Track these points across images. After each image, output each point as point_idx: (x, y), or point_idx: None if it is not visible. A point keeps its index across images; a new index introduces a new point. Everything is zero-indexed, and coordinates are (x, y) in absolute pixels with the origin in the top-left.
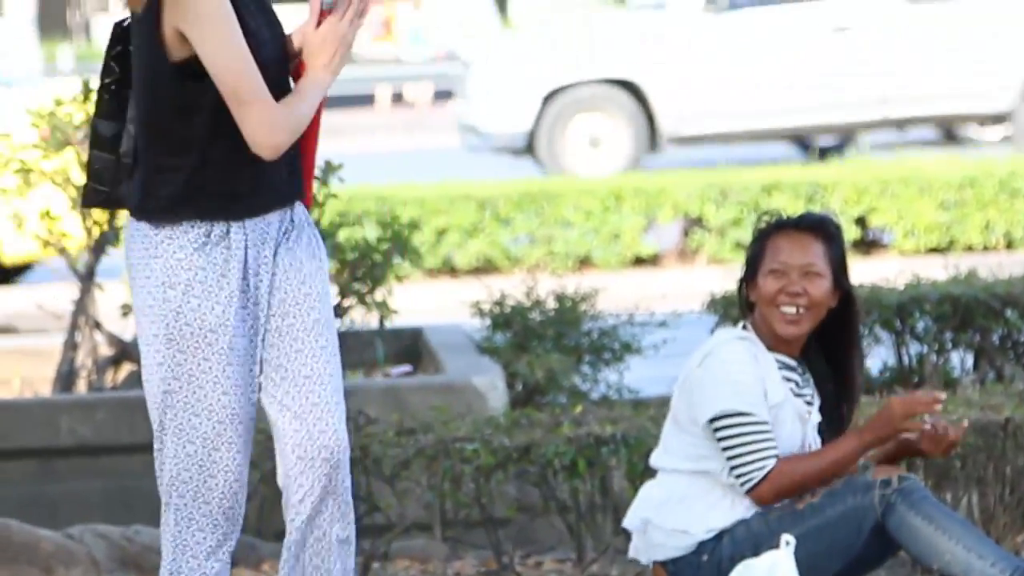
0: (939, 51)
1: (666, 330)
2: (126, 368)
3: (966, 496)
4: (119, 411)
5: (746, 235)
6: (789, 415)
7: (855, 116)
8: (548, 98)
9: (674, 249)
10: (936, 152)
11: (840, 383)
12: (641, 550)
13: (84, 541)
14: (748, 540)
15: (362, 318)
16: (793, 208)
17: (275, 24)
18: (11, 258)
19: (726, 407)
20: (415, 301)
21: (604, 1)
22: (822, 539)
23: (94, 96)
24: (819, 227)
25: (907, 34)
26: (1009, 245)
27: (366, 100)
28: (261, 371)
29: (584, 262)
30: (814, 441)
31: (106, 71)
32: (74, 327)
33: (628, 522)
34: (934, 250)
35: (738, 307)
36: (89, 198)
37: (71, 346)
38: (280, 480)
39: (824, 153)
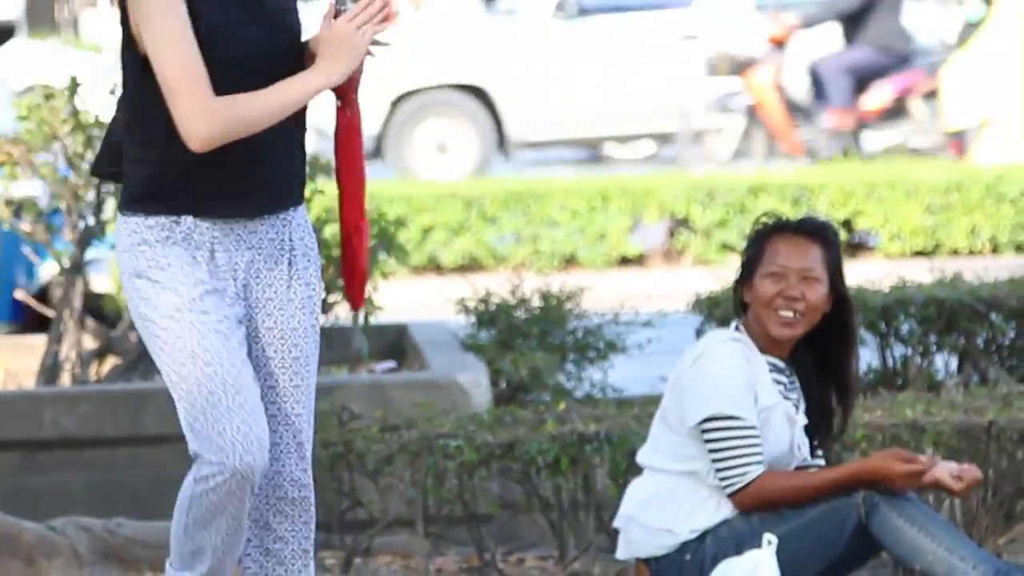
0: None
1: (651, 330)
2: (110, 361)
3: (948, 498)
4: (103, 404)
5: (732, 236)
6: (779, 417)
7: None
8: (396, 102)
9: (659, 249)
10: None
11: (836, 386)
12: (624, 547)
13: (66, 533)
14: (731, 539)
15: (347, 314)
16: (779, 210)
17: (275, 22)
18: None
19: (716, 410)
20: (400, 298)
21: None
22: (804, 539)
23: (81, 90)
24: (819, 232)
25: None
26: (994, 249)
27: None
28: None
29: (570, 261)
30: (802, 443)
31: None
32: (59, 320)
33: (617, 521)
34: (920, 253)
35: (730, 307)
36: (98, 169)
37: (55, 339)
38: None
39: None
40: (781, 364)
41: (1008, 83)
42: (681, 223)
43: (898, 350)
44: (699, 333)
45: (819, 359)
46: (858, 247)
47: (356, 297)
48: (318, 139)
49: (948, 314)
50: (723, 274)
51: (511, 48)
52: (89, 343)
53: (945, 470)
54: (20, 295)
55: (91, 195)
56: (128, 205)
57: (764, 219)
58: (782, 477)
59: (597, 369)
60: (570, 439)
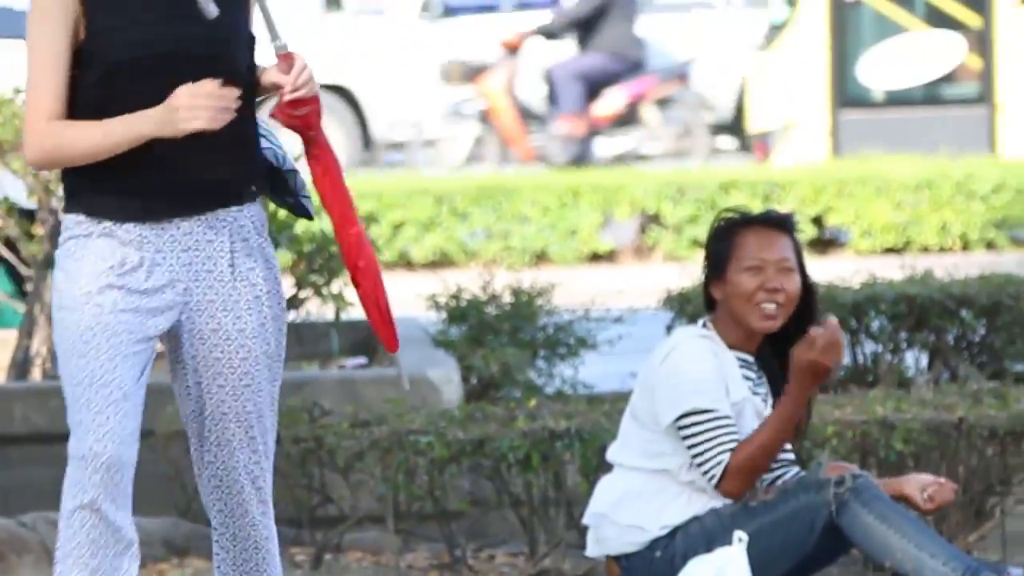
0: None
1: (621, 326)
2: None
3: None
4: None
5: (703, 233)
6: (749, 412)
7: None
8: (260, 102)
9: (631, 246)
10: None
11: None
12: (595, 544)
13: (36, 529)
14: (701, 536)
15: (318, 310)
16: (751, 207)
17: (199, 21)
18: None
19: (690, 406)
20: None
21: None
22: (775, 536)
23: None
24: (785, 223)
25: None
26: (965, 246)
27: None
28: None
29: (541, 258)
30: None
31: None
32: (29, 315)
33: (587, 519)
34: (891, 250)
35: (696, 304)
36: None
37: (26, 334)
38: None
39: None
40: (750, 359)
41: (812, 86)
42: (652, 219)
43: (868, 347)
44: (670, 329)
45: (783, 352)
46: (829, 244)
47: (388, 341)
48: None
49: (919, 311)
50: (694, 270)
51: (376, 48)
52: None
53: (916, 485)
54: None
55: (62, 190)
56: (65, 202)
57: (727, 214)
58: (744, 446)
59: (568, 365)
60: (541, 435)
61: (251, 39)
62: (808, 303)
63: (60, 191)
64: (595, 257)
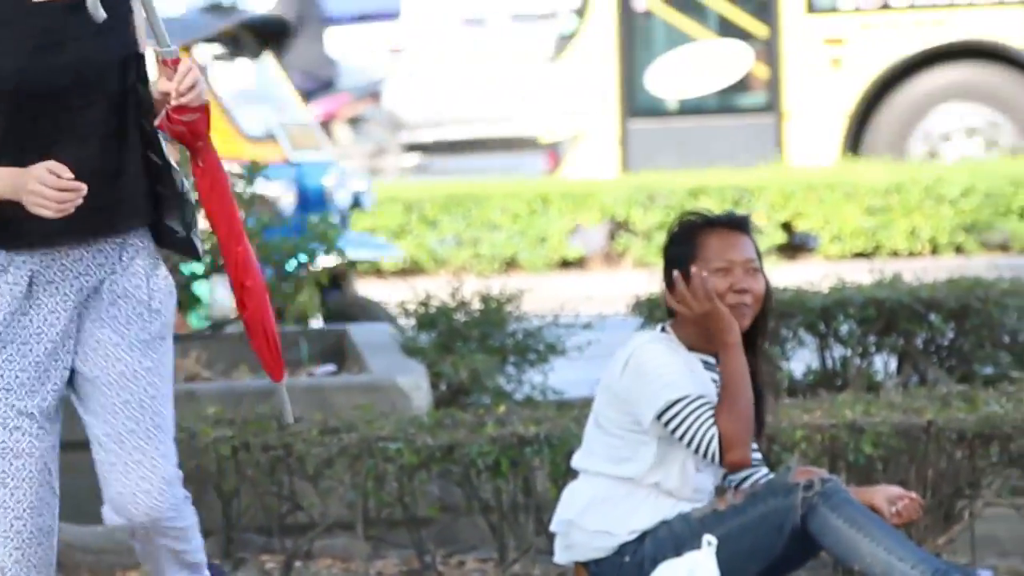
0: None
1: (591, 332)
2: None
3: None
4: None
5: None
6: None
7: None
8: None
9: (600, 252)
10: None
11: (755, 374)
12: (563, 550)
13: None
14: (670, 540)
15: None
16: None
17: (76, 51)
18: None
19: (663, 402)
20: None
21: None
22: (744, 540)
23: None
24: (746, 224)
25: None
26: (934, 251)
27: None
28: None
29: (510, 264)
30: None
31: None
32: None
33: (555, 526)
34: (860, 255)
35: (664, 309)
36: None
37: None
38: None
39: None
40: (712, 361)
41: (601, 96)
42: (621, 226)
43: (837, 351)
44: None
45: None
46: (798, 249)
47: (273, 369)
48: None
49: (887, 315)
50: (660, 275)
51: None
52: None
53: (885, 496)
54: None
55: None
56: None
57: (688, 217)
58: (720, 417)
59: (537, 371)
60: (510, 441)
61: (137, 57)
62: (765, 303)
63: None
64: (565, 264)
